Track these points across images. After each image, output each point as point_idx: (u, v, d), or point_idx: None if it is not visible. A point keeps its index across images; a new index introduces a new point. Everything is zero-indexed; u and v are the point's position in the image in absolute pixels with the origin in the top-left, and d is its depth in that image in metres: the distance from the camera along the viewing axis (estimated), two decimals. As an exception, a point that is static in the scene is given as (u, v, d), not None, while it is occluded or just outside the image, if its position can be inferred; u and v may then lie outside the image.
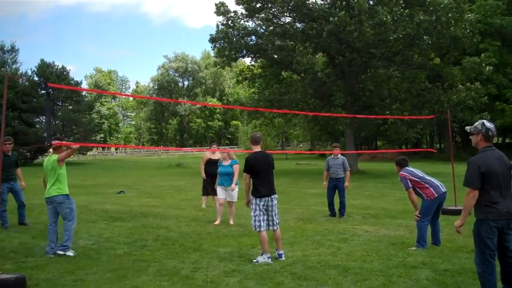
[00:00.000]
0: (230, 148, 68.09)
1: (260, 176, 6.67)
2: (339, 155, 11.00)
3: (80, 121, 44.64)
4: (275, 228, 6.73)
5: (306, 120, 36.90)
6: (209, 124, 77.97)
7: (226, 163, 10.01)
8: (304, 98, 28.49)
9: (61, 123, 45.89)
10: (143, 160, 50.78)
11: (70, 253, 7.08)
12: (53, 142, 7.13)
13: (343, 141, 32.27)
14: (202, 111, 78.57)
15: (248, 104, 32.25)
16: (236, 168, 9.89)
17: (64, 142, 7.81)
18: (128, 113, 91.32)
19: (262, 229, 6.58)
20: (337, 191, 10.97)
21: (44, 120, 45.19)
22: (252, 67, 32.92)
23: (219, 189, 9.92)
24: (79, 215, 10.91)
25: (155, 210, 12.20)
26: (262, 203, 6.61)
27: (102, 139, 70.09)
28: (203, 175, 11.46)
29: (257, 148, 6.88)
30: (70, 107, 46.79)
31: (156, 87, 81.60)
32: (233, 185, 9.76)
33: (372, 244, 7.69)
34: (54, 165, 7.22)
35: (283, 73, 31.82)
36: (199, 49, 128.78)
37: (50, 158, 7.32)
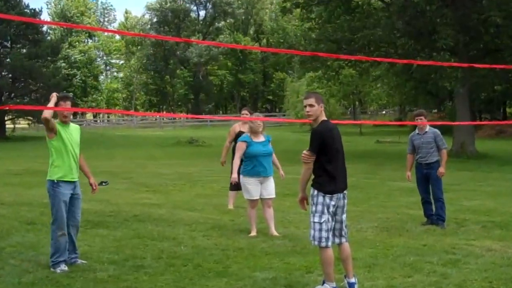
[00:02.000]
0: (270, 116, 68.28)
1: (337, 159, 6.69)
2: (428, 128, 11.06)
3: (39, 72, 45.72)
4: (343, 240, 6.75)
5: (393, 72, 36.56)
6: (239, 77, 78.25)
7: (259, 138, 10.03)
8: (390, 36, 28.43)
9: (9, 76, 47.02)
10: (137, 134, 51.60)
11: (59, 269, 7.62)
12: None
13: (451, 107, 31.81)
14: (228, 57, 78.79)
15: (301, 47, 32.01)
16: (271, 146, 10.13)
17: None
18: (113, 60, 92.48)
19: (328, 243, 6.59)
20: (430, 183, 11.02)
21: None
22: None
23: (251, 185, 9.99)
24: (40, 218, 11.25)
25: (155, 211, 12.40)
26: (333, 203, 6.62)
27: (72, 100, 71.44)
28: (224, 160, 11.50)
29: (324, 117, 6.85)
30: (24, 51, 47.84)
31: (155, 19, 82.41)
32: (281, 171, 9.87)
33: (497, 271, 7.59)
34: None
35: (356, -3, 31.78)
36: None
37: None
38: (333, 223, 6.65)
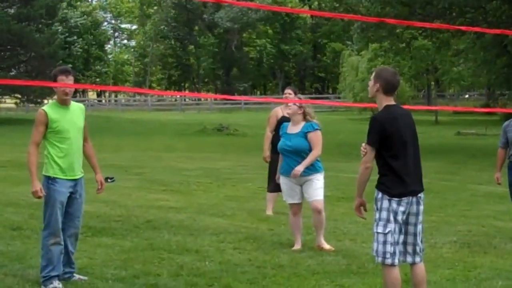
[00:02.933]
0: (321, 98, 68.07)
1: (406, 155, 6.65)
2: None
3: (30, 38, 46.04)
4: (416, 260, 6.71)
5: (480, 45, 36.27)
6: (282, 49, 78.10)
7: (295, 128, 9.94)
8: None
9: None
10: (152, 119, 51.92)
11: (51, 286, 7.64)
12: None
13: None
14: (269, 23, 78.67)
15: (362, 10, 31.85)
16: (317, 139, 9.85)
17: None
18: (124, 25, 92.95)
19: (395, 260, 6.56)
20: None
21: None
22: None
23: (285, 186, 10.02)
24: (28, 222, 11.36)
25: (174, 216, 12.48)
26: (402, 209, 6.57)
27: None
28: (267, 154, 11.54)
29: (390, 101, 6.79)
30: (12, 11, 48.29)
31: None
32: (299, 167, 9.66)
33: None
34: None
35: None
36: None
37: None
38: (403, 235, 6.60)
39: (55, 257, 7.70)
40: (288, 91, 12.08)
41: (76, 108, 8.08)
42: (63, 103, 7.90)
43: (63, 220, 7.85)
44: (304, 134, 9.83)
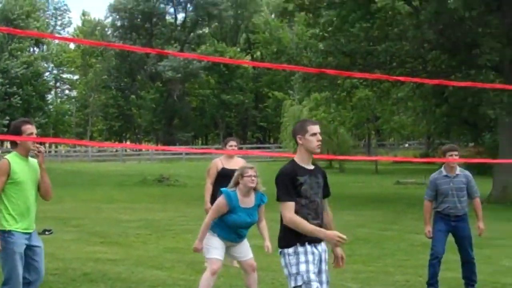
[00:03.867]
0: (263, 150, 68.29)
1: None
2: (459, 170, 11.00)
3: None
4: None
5: (420, 95, 36.69)
6: (223, 98, 78.37)
7: (248, 201, 9.37)
8: (418, 50, 28.78)
9: None
10: (92, 170, 51.51)
11: None
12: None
13: (492, 140, 31.79)
14: (210, 71, 78.92)
15: (305, 61, 32.00)
16: (263, 211, 9.52)
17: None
18: (65, 75, 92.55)
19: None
20: (455, 239, 11.07)
21: None
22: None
23: (217, 243, 9.40)
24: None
25: (112, 269, 12.35)
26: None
27: (5, 127, 68.99)
28: (208, 205, 11.52)
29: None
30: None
31: (119, 22, 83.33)
32: (267, 242, 9.40)
33: None
34: None
35: (376, -1, 32.00)
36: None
37: None
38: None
39: None
40: (233, 143, 12.07)
41: (33, 161, 8.01)
42: (25, 155, 7.87)
43: (29, 272, 7.74)
44: (257, 207, 9.41)
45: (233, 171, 10.11)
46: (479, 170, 32.05)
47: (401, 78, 26.82)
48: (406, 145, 71.66)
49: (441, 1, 25.96)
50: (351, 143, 58.44)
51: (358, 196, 28.98)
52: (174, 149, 60.67)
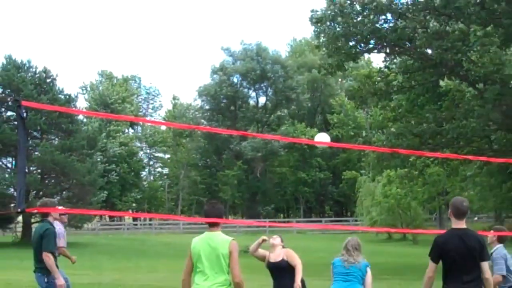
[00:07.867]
0: (339, 221, 68.02)
1: (453, 269, 7.91)
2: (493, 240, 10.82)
3: (72, 167, 46.58)
4: None
5: (487, 172, 37.10)
6: (301, 176, 79.49)
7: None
8: (484, 129, 28.66)
9: (38, 171, 48.54)
10: (184, 241, 52.03)
11: None
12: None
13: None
14: (291, 150, 79.63)
15: (377, 142, 32.35)
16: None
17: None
18: (157, 154, 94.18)
19: None
20: None
21: (10, 166, 48.77)
22: (387, 71, 32.90)
23: None
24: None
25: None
26: None
27: (104, 202, 67.63)
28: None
29: (458, 224, 8.26)
30: (56, 142, 49.62)
31: (207, 106, 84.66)
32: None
33: None
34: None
35: (442, 83, 31.99)
36: (284, 36, 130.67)
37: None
38: None
39: None
40: (276, 238, 11.85)
41: None
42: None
43: None
44: None
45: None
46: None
47: (470, 157, 26.88)
48: (475, 218, 70.81)
49: (503, 83, 25.84)
50: (424, 216, 58.47)
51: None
52: (257, 224, 61.47)
